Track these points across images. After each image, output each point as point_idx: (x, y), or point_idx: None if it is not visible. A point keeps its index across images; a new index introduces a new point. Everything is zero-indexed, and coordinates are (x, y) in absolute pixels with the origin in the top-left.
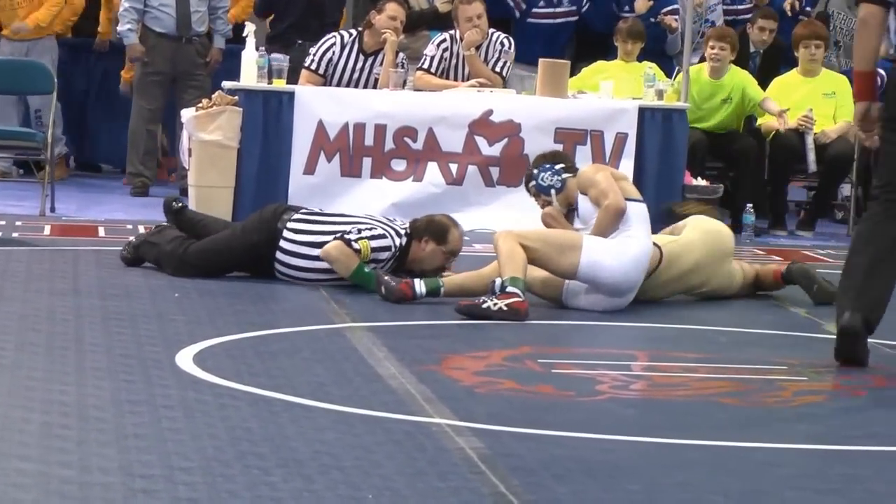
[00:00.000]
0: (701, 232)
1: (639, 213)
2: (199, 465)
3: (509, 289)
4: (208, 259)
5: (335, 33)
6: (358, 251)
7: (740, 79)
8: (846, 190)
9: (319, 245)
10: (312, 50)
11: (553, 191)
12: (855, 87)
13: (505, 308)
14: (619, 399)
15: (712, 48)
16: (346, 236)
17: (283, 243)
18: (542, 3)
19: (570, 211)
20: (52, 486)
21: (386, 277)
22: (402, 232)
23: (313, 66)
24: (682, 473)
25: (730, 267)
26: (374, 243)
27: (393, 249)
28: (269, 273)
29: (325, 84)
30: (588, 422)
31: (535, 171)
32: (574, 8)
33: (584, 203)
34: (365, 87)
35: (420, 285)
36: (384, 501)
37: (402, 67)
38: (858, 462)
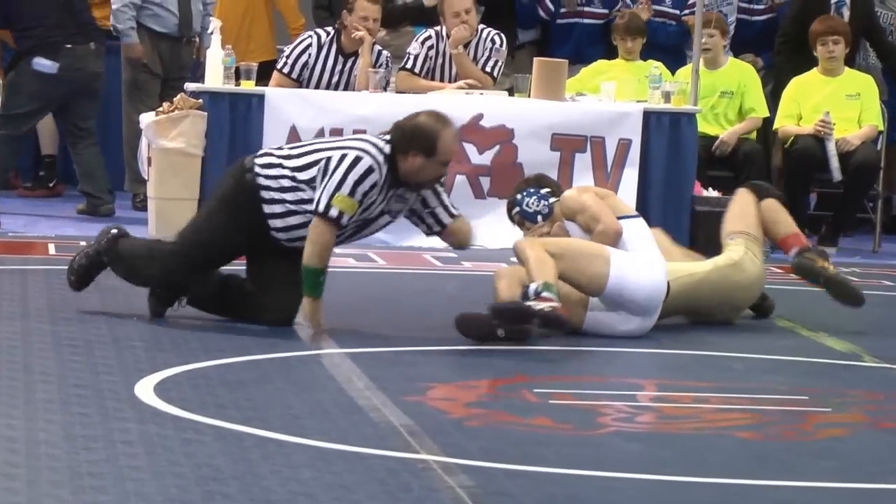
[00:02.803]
0: (720, 269)
1: (637, 230)
2: None
3: (545, 294)
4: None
5: (311, 32)
6: (340, 216)
7: (741, 71)
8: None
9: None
10: (286, 51)
11: (540, 217)
12: None
13: (548, 309)
14: (623, 433)
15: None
16: (319, 207)
17: (263, 194)
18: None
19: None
20: None
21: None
22: (383, 145)
23: (286, 70)
24: None
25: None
26: (359, 188)
27: (379, 180)
28: (270, 244)
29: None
30: (588, 458)
31: (519, 197)
32: (605, 10)
33: (575, 229)
34: (345, 90)
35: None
36: None
37: (386, 67)
38: (883, 501)
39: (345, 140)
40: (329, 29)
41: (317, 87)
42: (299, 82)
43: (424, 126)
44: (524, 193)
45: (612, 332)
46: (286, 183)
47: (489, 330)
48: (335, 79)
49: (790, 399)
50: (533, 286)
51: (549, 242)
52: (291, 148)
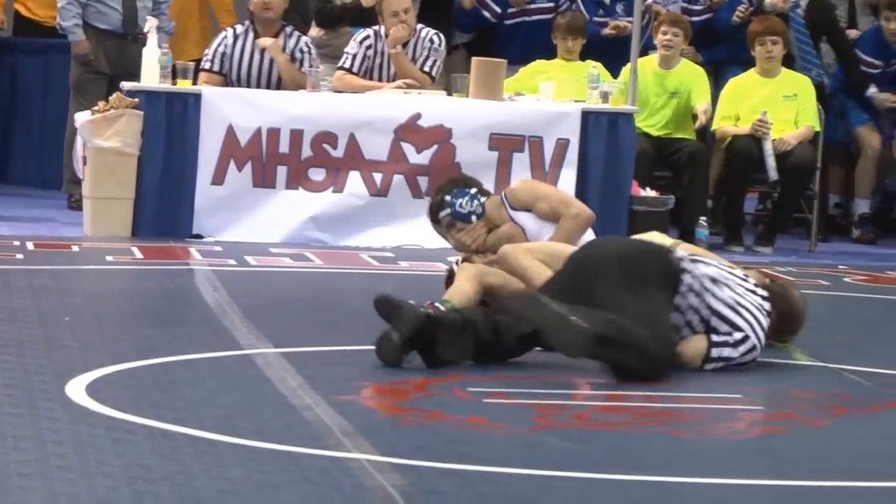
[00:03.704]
0: None
1: None
2: None
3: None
4: None
5: (228, 27)
6: None
7: (692, 73)
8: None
9: None
10: (207, 51)
11: (474, 217)
12: None
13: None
14: (557, 431)
15: (664, 34)
16: None
17: None
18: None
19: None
20: None
21: None
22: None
23: (208, 66)
24: None
25: None
26: None
27: None
28: None
29: (225, 83)
30: (522, 456)
31: (449, 199)
32: (551, 4)
33: (530, 221)
34: (269, 79)
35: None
36: None
37: (311, 67)
38: (820, 499)
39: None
40: (245, 22)
41: (240, 77)
42: (224, 75)
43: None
44: (453, 194)
45: None
46: None
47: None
48: (255, 67)
49: (725, 398)
50: None
51: (535, 248)
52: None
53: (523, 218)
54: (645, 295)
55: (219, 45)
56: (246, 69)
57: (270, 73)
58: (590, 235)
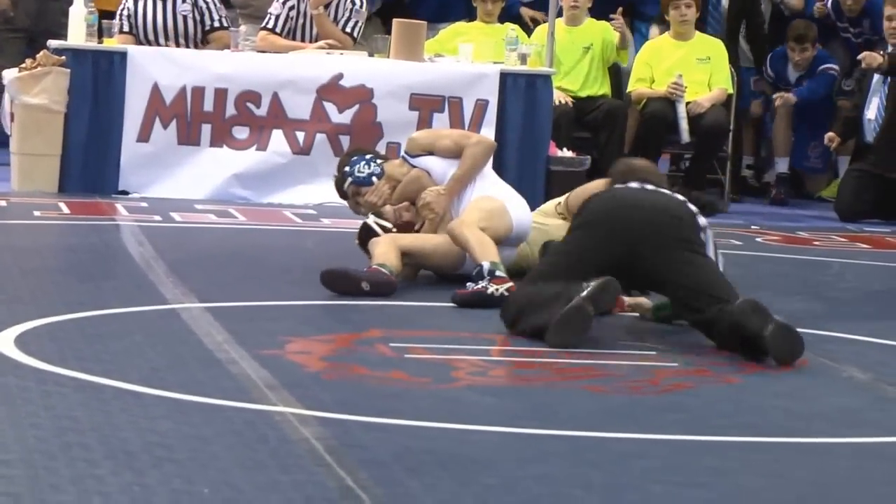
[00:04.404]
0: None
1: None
2: (21, 457)
3: (499, 273)
4: None
5: None
6: None
7: (600, 27)
8: None
9: None
10: (115, 17)
11: (374, 178)
12: None
13: (506, 293)
14: (477, 386)
15: (676, 8)
16: None
17: None
18: None
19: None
20: None
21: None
22: None
23: (118, 28)
24: (541, 466)
25: None
26: None
27: None
28: None
29: (137, 41)
30: (443, 411)
31: (347, 169)
32: None
33: (434, 162)
34: (175, 28)
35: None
36: (221, 496)
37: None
38: (727, 454)
39: None
40: None
41: (147, 34)
42: (134, 35)
43: None
44: (350, 164)
45: None
46: None
47: (354, 284)
48: (160, 20)
49: (639, 354)
50: (486, 265)
51: (471, 217)
52: None
53: (426, 161)
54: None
55: (122, 8)
56: (152, 24)
57: (176, 27)
58: (519, 200)
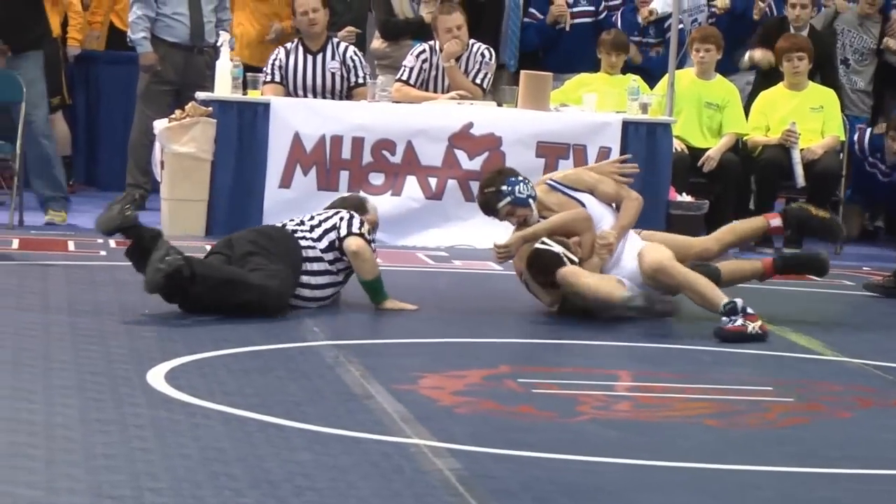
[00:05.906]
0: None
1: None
2: (170, 485)
3: (749, 310)
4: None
5: (280, 46)
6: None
7: (731, 94)
8: None
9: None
10: (265, 68)
11: (531, 200)
12: None
13: (760, 331)
14: (601, 420)
15: (697, 51)
16: (356, 231)
17: (307, 255)
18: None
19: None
20: None
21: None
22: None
23: (268, 78)
24: (663, 496)
25: None
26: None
27: None
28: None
29: (286, 92)
30: (569, 443)
31: (506, 188)
32: (592, 8)
33: (593, 202)
34: (322, 83)
35: None
36: None
37: (364, 74)
38: (840, 485)
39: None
40: (294, 40)
41: (296, 86)
42: (284, 85)
43: (351, 197)
44: (507, 183)
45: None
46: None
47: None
48: (310, 74)
49: (755, 389)
50: (739, 302)
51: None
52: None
53: (586, 199)
54: None
55: (274, 59)
56: (301, 77)
57: (324, 82)
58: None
